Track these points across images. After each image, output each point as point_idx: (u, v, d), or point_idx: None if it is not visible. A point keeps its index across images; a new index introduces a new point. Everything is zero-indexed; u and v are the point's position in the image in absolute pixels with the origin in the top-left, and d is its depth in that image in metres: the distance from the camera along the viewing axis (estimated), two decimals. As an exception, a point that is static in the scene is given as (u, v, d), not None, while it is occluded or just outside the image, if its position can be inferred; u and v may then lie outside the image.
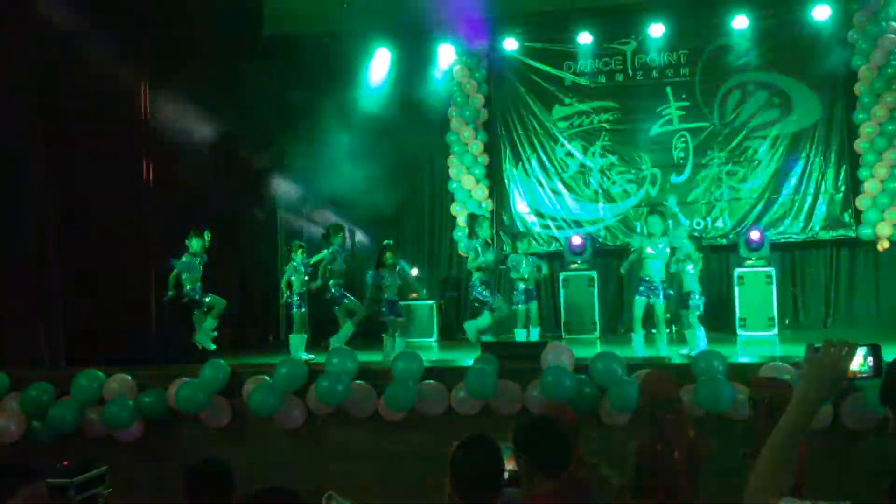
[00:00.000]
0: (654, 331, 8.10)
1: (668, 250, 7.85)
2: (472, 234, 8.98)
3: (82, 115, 8.24)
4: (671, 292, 8.12)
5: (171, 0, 9.06)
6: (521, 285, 9.17)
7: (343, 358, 6.57)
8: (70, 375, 6.72)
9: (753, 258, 10.29)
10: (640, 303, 7.86)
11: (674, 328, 9.20)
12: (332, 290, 8.37)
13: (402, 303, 8.86)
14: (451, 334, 10.90)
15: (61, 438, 6.56)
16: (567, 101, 11.56)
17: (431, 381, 6.39)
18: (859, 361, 1.83)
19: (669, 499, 3.78)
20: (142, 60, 8.74)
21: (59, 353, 7.92)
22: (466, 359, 7.28)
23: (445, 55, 11.56)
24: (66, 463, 5.83)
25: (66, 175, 8.11)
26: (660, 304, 7.81)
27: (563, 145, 11.56)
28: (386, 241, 8.72)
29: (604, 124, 11.42)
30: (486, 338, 8.43)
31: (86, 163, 8.26)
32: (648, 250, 7.82)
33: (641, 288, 7.86)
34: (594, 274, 10.53)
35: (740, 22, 10.67)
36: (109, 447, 6.51)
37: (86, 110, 8.27)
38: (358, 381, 6.46)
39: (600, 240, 11.24)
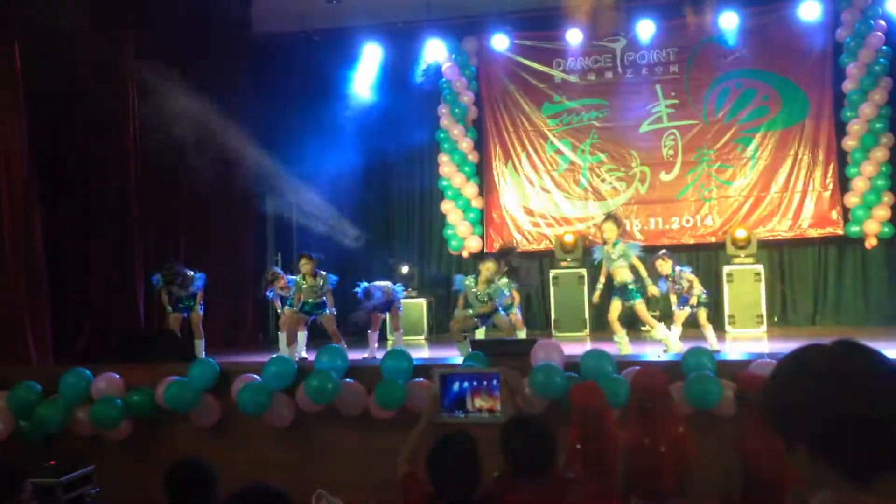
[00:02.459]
0: (643, 328, 8.10)
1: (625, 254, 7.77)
2: None
3: (71, 115, 8.21)
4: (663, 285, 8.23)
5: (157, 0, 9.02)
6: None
7: (333, 356, 6.55)
8: (58, 374, 6.67)
9: (742, 256, 10.34)
10: (615, 306, 7.77)
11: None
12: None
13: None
14: (441, 332, 10.89)
15: (48, 437, 6.52)
16: (557, 98, 11.56)
17: (422, 379, 6.38)
18: None
19: (654, 492, 3.79)
20: (130, 62, 8.69)
21: (47, 352, 7.87)
22: (456, 357, 7.26)
23: (435, 53, 11.53)
24: (53, 462, 5.82)
25: (53, 173, 8.07)
26: (637, 302, 7.76)
27: (552, 143, 11.57)
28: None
29: (593, 122, 11.43)
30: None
31: (74, 161, 8.23)
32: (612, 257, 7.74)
33: (616, 292, 7.80)
34: (584, 272, 10.55)
35: (729, 20, 10.70)
36: (97, 446, 6.48)
37: (75, 111, 8.24)
38: (348, 380, 6.45)
39: (590, 237, 11.25)
